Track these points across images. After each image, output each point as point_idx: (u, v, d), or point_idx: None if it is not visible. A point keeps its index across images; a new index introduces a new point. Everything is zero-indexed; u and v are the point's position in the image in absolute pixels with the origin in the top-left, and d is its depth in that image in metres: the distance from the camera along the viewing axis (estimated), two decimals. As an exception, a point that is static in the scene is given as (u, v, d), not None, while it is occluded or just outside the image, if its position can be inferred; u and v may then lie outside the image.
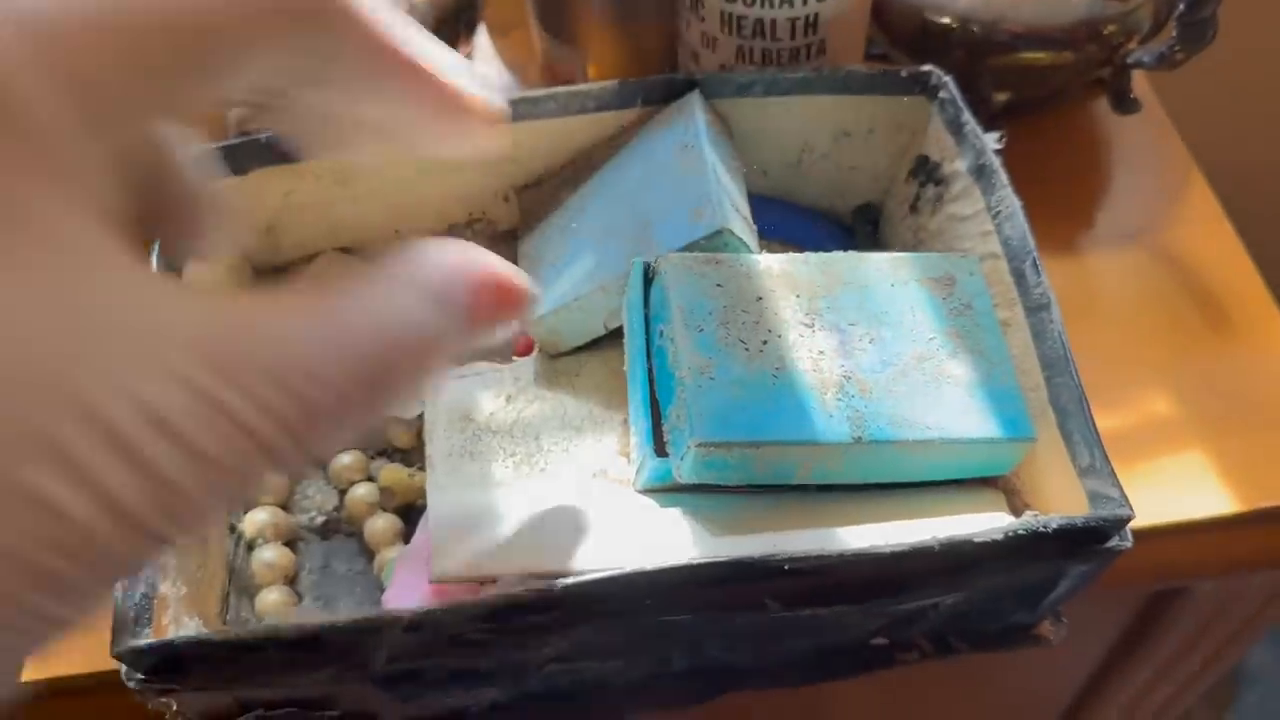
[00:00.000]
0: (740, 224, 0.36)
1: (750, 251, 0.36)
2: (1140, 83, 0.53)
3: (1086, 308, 0.47)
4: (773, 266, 0.35)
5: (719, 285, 0.34)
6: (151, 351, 0.17)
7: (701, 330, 0.33)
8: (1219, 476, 0.41)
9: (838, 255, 0.36)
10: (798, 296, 0.34)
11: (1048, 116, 0.52)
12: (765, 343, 0.33)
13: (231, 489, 0.18)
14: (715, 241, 0.35)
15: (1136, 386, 0.44)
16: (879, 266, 0.35)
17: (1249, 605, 0.48)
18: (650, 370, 0.34)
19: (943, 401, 0.32)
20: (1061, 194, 0.50)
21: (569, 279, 0.39)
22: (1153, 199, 0.50)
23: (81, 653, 0.39)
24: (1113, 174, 0.51)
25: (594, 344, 0.40)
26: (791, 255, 0.35)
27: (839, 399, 0.32)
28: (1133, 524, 0.40)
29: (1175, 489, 0.41)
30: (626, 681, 0.35)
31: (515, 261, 0.41)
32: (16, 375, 0.16)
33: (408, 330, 0.20)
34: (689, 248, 0.35)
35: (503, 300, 0.22)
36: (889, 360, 0.33)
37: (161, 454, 0.17)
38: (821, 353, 0.33)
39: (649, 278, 0.35)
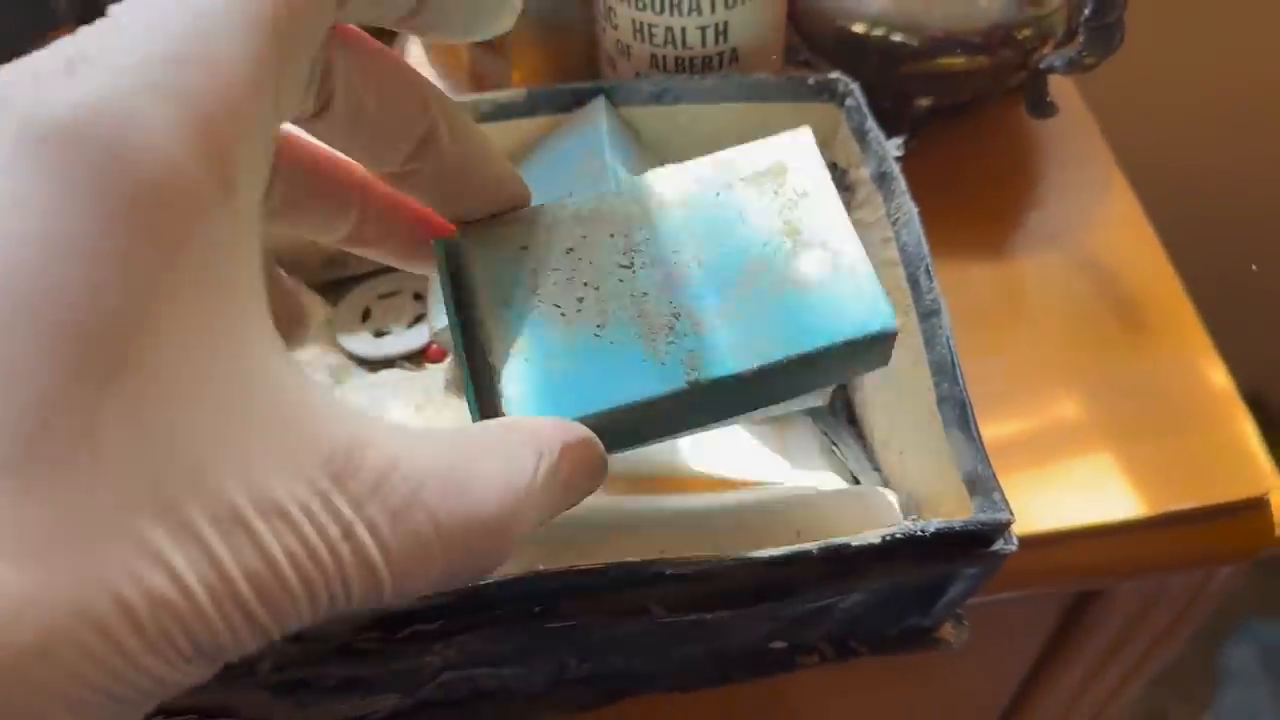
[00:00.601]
0: None
1: None
2: (1065, 86, 0.53)
3: (1007, 311, 0.47)
4: (582, 209, 0.30)
5: (524, 248, 0.29)
6: (291, 457, 0.18)
7: (509, 305, 0.28)
8: (1131, 480, 0.42)
9: (652, 174, 0.31)
10: (612, 236, 0.29)
11: (971, 121, 0.52)
12: (582, 300, 0.29)
13: (316, 606, 0.19)
14: None
15: (1053, 390, 0.44)
16: (700, 176, 0.31)
17: (1172, 605, 0.48)
18: (472, 361, 0.29)
19: (786, 314, 0.28)
20: (984, 198, 0.50)
21: None
22: (1075, 202, 0.51)
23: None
24: (1036, 177, 0.52)
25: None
26: (601, 193, 0.30)
27: (670, 342, 0.28)
28: (1046, 527, 0.40)
29: (1088, 492, 0.42)
30: (525, 688, 0.35)
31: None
32: (160, 454, 0.17)
33: (523, 494, 0.22)
34: None
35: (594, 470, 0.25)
36: (722, 283, 0.28)
37: (278, 547, 0.18)
38: (645, 294, 0.28)
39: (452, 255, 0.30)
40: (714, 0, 0.42)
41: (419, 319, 0.43)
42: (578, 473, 0.24)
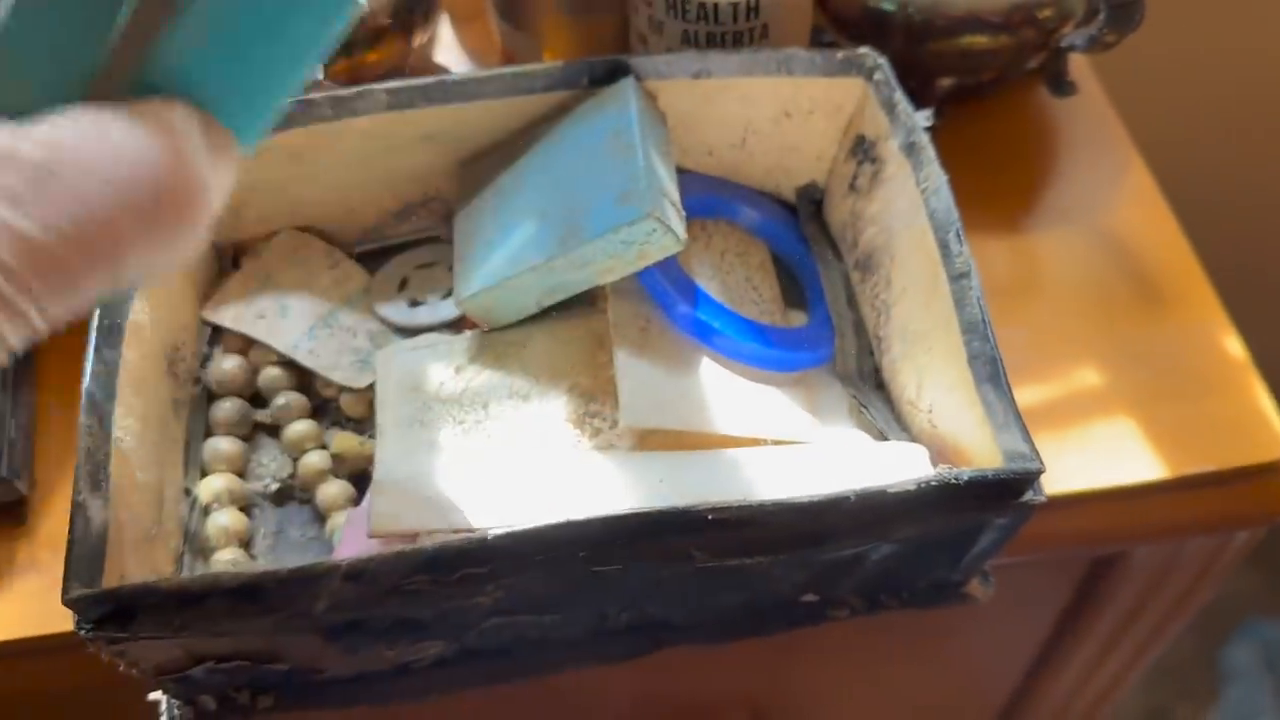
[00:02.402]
0: (668, 209, 0.37)
1: (678, 238, 0.37)
2: (1082, 68, 0.55)
3: (1027, 285, 0.48)
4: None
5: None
6: None
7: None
8: (1150, 444, 0.43)
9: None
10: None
11: (991, 101, 0.53)
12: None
13: None
14: (643, 226, 0.36)
15: (1072, 360, 0.46)
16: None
17: (1187, 571, 0.49)
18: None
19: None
20: (1004, 176, 0.51)
21: (501, 258, 0.40)
22: (1092, 181, 0.52)
23: (39, 614, 0.40)
24: (1054, 157, 0.53)
25: (539, 317, 0.41)
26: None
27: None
28: (1066, 489, 0.41)
29: (1108, 456, 0.43)
30: (565, 638, 0.36)
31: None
32: None
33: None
34: (617, 231, 0.37)
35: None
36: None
37: None
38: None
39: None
40: (747, -24, 0.43)
41: (452, 291, 0.44)
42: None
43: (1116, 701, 0.64)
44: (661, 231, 0.37)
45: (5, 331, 0.20)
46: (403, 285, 0.45)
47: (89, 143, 0.21)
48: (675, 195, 0.39)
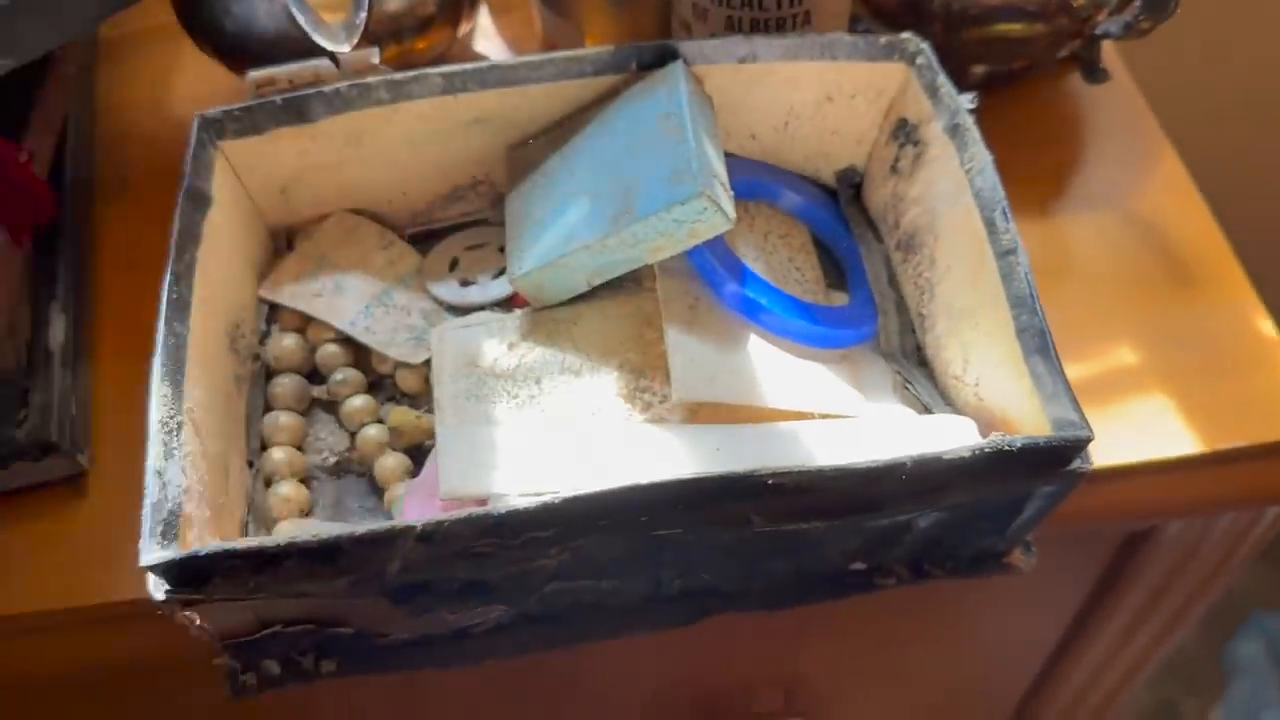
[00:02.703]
0: (719, 189, 0.38)
1: (727, 217, 0.38)
2: (1113, 56, 0.55)
3: (1060, 268, 0.49)
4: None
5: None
6: None
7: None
8: (1183, 420, 0.44)
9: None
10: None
11: (1023, 88, 0.54)
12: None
13: None
14: (694, 205, 0.37)
15: (1108, 339, 0.46)
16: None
17: (1217, 548, 0.50)
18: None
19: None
20: (1036, 163, 0.52)
21: (553, 237, 0.41)
22: (1123, 166, 0.52)
23: (100, 584, 0.41)
24: (1086, 144, 0.54)
25: (589, 295, 0.42)
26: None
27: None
28: (1103, 463, 0.42)
29: (1142, 432, 0.43)
30: (620, 604, 0.37)
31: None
32: None
33: None
34: (669, 210, 0.38)
35: None
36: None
37: None
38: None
39: None
40: (791, -38, 0.44)
41: (503, 271, 0.45)
42: None
43: (1134, 687, 0.65)
44: (713, 210, 0.38)
45: None
46: (453, 266, 0.46)
47: None
48: (725, 176, 0.40)
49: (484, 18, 0.59)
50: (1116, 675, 0.63)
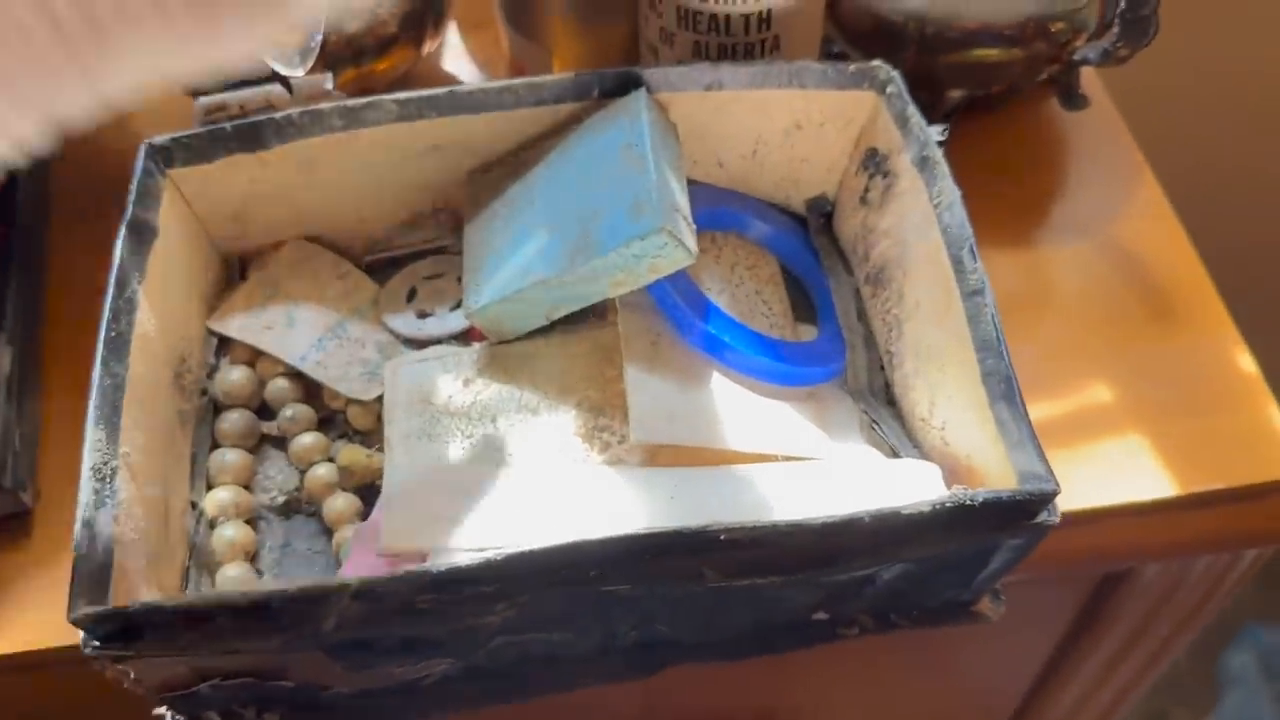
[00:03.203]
0: (680, 223, 0.37)
1: (689, 251, 0.37)
2: (1092, 81, 0.54)
3: (1037, 299, 0.48)
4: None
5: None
6: None
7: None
8: (1162, 460, 0.43)
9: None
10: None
11: (1001, 114, 0.53)
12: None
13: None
14: (654, 240, 0.36)
15: (1083, 375, 0.45)
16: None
17: (1195, 590, 0.49)
18: None
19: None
20: (1014, 189, 0.51)
21: (511, 270, 0.40)
22: (1102, 194, 0.51)
23: (40, 627, 0.40)
24: (1064, 170, 0.52)
25: (548, 330, 0.41)
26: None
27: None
28: (1077, 506, 0.41)
29: (1118, 473, 0.42)
30: (573, 656, 0.36)
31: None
32: None
33: None
34: (629, 244, 0.36)
35: None
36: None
37: None
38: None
39: None
40: (758, -13, 0.43)
41: (461, 303, 0.43)
42: None
43: (1121, 716, 0.64)
44: (673, 245, 0.37)
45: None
46: (411, 296, 0.45)
47: None
48: (687, 209, 0.38)
49: (453, 34, 0.58)
50: (1100, 704, 0.62)
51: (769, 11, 0.44)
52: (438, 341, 0.43)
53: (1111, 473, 0.42)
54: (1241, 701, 1.32)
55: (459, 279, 0.44)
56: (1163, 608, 0.49)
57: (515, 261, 0.40)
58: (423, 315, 0.44)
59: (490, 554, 0.30)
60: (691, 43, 0.45)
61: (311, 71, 0.43)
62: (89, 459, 0.33)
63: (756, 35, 0.44)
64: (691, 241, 0.37)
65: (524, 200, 0.41)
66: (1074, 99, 0.48)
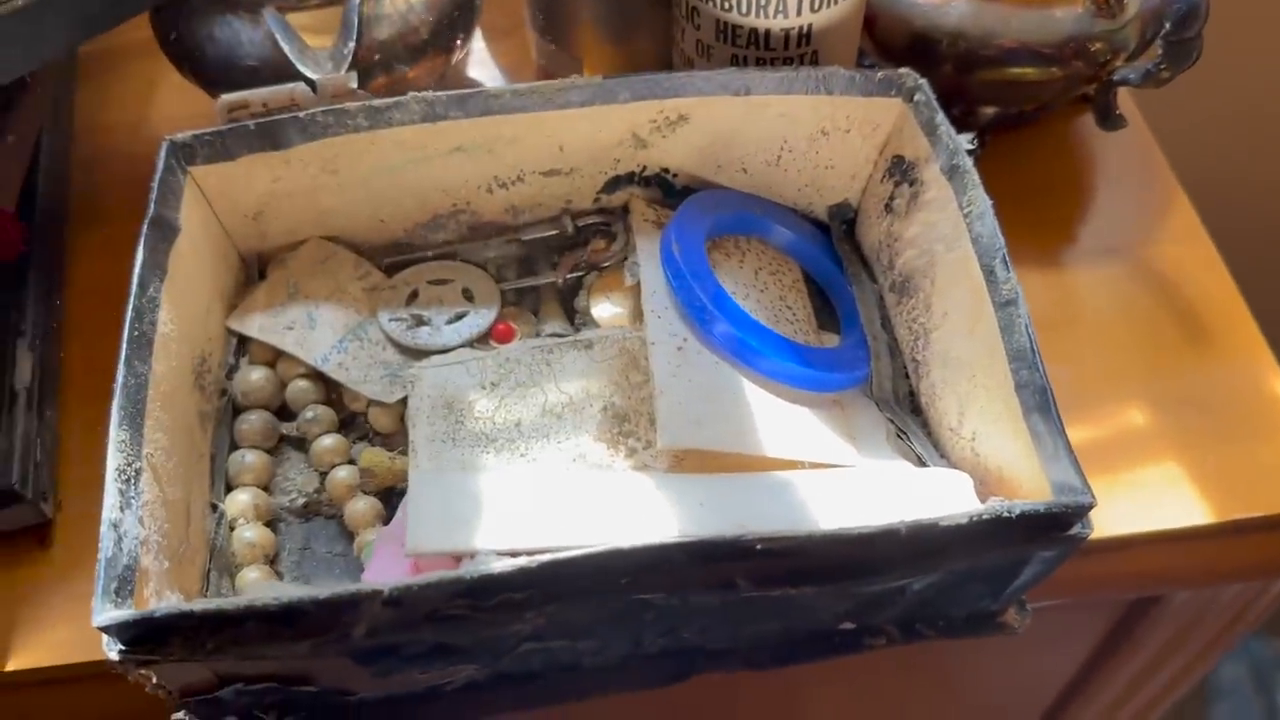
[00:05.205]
0: None
1: None
2: (1125, 101, 0.54)
3: (1068, 321, 0.47)
4: None
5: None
6: None
7: None
8: (1196, 487, 0.42)
9: None
10: None
11: (1033, 132, 0.53)
12: None
13: None
14: None
15: (1116, 398, 0.45)
16: None
17: (1223, 615, 0.48)
18: None
19: None
20: (1045, 208, 0.51)
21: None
22: (1135, 215, 0.51)
23: (61, 643, 0.39)
24: (1096, 189, 0.52)
25: (575, 334, 0.41)
26: None
27: None
28: (1109, 533, 0.41)
29: (1152, 499, 0.42)
30: (599, 662, 0.36)
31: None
32: None
33: None
34: None
35: None
36: None
37: None
38: None
39: None
40: (800, 2, 0.42)
41: (459, 316, 0.43)
42: None
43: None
44: None
45: None
46: (413, 297, 0.44)
47: None
48: None
49: (479, 42, 0.58)
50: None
51: (809, 26, 0.43)
52: (429, 353, 0.42)
53: (1144, 499, 0.42)
54: (1232, 713, 1.32)
55: (464, 290, 0.44)
56: (1190, 633, 0.49)
57: None
58: (418, 322, 0.43)
59: (524, 560, 0.29)
60: (729, 56, 0.45)
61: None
62: (113, 460, 0.32)
63: (795, 50, 0.44)
64: None
65: None
66: (1111, 119, 0.48)
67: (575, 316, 0.44)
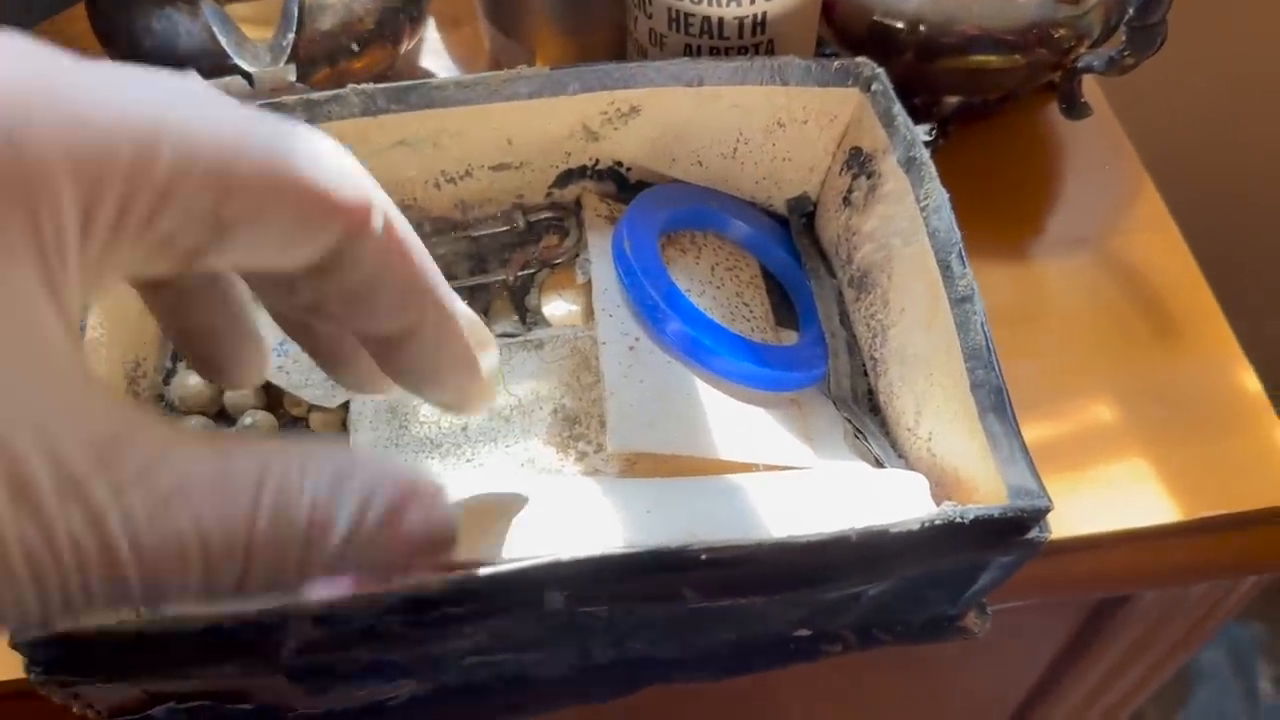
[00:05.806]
0: None
1: None
2: (1092, 88, 0.53)
3: (1035, 314, 0.46)
4: None
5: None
6: (50, 430, 0.17)
7: None
8: (1162, 485, 0.41)
9: None
10: None
11: (998, 121, 0.52)
12: None
13: (45, 601, 0.17)
14: None
15: (1081, 394, 0.44)
16: None
17: (1191, 614, 0.48)
18: None
19: None
20: (1011, 199, 0.50)
21: None
22: (1102, 205, 0.50)
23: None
24: (1063, 179, 0.51)
25: (524, 334, 0.39)
26: None
27: None
28: (1073, 532, 0.40)
29: (1118, 497, 0.41)
30: (547, 675, 0.35)
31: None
32: None
33: (302, 526, 0.20)
34: None
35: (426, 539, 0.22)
36: None
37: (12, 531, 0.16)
38: None
39: None
40: (752, -10, 0.41)
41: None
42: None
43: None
44: None
45: None
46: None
47: None
48: None
49: (432, 32, 0.56)
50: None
51: (763, 15, 0.42)
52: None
53: (1109, 497, 0.41)
54: (1213, 697, 1.33)
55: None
56: (1159, 631, 0.48)
57: None
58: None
59: (458, 575, 0.28)
60: (682, 45, 0.44)
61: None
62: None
63: (750, 39, 0.43)
64: None
65: None
66: (1077, 108, 0.47)
67: (527, 315, 0.43)
